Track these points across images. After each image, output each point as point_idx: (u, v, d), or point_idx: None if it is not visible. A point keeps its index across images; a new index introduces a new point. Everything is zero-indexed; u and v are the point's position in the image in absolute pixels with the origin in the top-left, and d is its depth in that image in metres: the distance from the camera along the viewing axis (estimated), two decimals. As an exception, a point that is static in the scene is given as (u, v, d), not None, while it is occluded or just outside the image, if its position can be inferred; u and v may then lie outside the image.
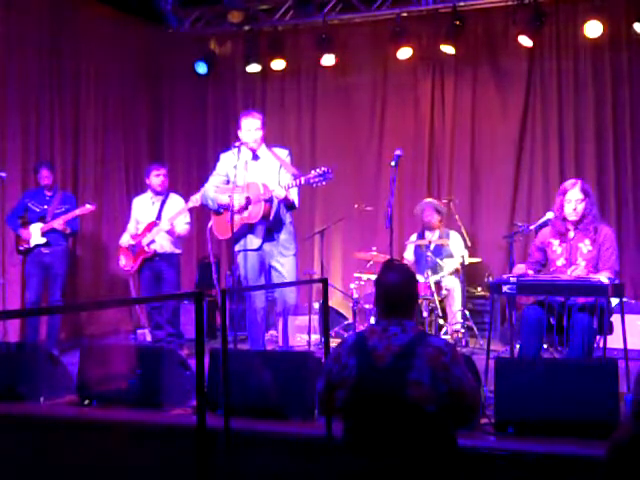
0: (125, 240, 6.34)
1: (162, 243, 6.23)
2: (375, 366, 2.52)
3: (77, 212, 6.36)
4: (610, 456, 1.56)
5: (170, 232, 6.19)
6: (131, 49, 8.07)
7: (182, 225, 6.26)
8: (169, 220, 6.16)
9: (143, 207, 6.40)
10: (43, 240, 6.25)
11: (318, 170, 4.83)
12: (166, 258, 6.25)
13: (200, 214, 7.14)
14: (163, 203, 6.33)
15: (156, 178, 6.34)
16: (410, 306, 2.68)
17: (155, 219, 6.25)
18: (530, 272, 4.59)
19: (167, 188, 6.43)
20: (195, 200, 5.96)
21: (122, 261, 6.31)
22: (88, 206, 6.38)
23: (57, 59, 7.22)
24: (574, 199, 4.54)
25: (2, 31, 6.68)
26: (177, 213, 6.17)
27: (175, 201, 6.36)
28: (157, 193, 6.36)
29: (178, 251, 6.37)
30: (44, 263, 6.31)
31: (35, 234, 6.25)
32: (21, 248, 6.33)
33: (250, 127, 5.12)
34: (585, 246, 4.54)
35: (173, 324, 6.33)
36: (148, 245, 6.19)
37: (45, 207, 6.35)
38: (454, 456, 2.57)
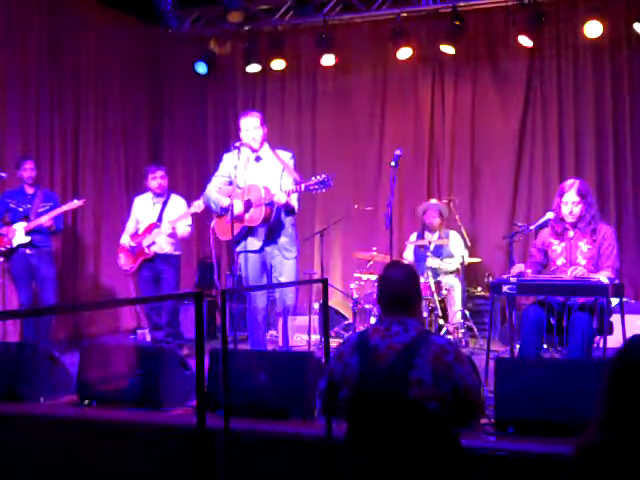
0: (126, 241, 6.29)
1: (162, 245, 6.21)
2: (377, 365, 2.51)
3: (65, 208, 6.15)
4: (577, 460, 1.52)
5: (171, 234, 6.18)
6: (131, 49, 8.06)
7: (184, 228, 6.24)
8: (170, 223, 6.13)
9: (144, 207, 6.37)
10: (27, 239, 5.99)
11: (318, 177, 4.81)
12: (166, 259, 6.23)
13: (200, 214, 7.11)
14: (164, 205, 6.30)
15: (153, 181, 6.30)
16: (412, 304, 2.66)
17: (156, 221, 6.22)
18: (529, 271, 4.59)
19: (167, 189, 6.40)
20: (198, 206, 5.95)
21: (122, 260, 6.28)
22: (76, 202, 6.21)
23: (57, 59, 7.21)
24: (570, 201, 4.53)
25: (2, 31, 6.68)
26: (179, 216, 6.15)
27: (176, 202, 6.34)
28: (157, 195, 6.34)
29: (178, 252, 6.36)
30: (30, 265, 6.08)
31: (19, 233, 5.99)
32: (2, 249, 6.00)
33: (248, 126, 5.11)
34: (585, 245, 4.54)
35: (172, 325, 6.30)
36: (149, 247, 6.17)
37: (28, 206, 6.09)
38: (458, 455, 2.56)
